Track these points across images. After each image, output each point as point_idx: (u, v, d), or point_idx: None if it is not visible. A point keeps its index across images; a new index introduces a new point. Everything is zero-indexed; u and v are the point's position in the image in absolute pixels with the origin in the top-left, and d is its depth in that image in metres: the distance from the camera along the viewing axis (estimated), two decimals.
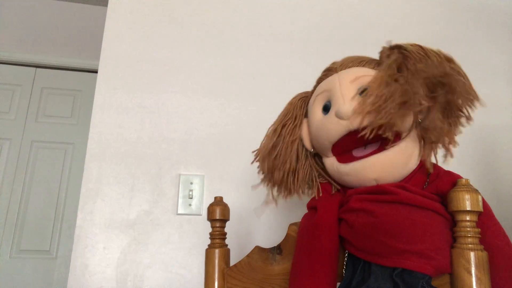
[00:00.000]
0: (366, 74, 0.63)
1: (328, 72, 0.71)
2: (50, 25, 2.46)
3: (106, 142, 1.15)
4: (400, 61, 0.60)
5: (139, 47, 1.26)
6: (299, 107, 0.75)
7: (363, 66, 0.67)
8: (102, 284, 1.05)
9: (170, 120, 1.21)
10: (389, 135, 0.56)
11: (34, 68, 2.40)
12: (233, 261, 0.72)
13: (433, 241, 0.54)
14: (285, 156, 0.71)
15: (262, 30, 1.38)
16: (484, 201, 0.57)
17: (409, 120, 0.59)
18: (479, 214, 0.54)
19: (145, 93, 1.22)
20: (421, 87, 0.56)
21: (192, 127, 1.22)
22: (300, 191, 0.71)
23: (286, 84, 1.33)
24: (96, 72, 1.27)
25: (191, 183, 1.17)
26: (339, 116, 0.61)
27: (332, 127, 0.63)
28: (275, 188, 0.74)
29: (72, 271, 1.04)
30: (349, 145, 0.64)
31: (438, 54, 0.60)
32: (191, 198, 1.15)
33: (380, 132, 0.56)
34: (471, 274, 0.51)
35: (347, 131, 0.61)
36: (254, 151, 0.76)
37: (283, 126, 0.74)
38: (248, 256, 0.70)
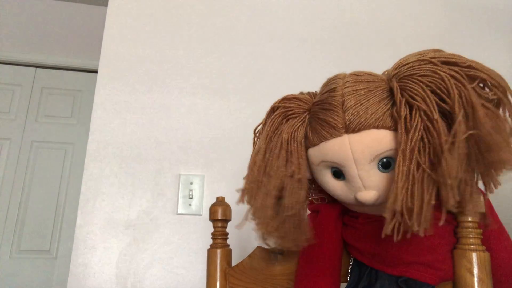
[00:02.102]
0: (387, 149, 0.51)
1: (334, 129, 0.53)
2: (50, 25, 2.46)
3: (106, 142, 1.15)
4: (424, 132, 0.47)
5: (139, 47, 1.26)
6: (298, 142, 0.58)
7: (382, 125, 0.51)
8: (102, 284, 1.04)
9: (170, 120, 1.21)
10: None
11: (34, 68, 2.40)
12: (234, 261, 0.72)
13: (441, 252, 0.54)
14: (295, 230, 0.57)
15: (262, 30, 1.38)
16: (490, 206, 0.57)
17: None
18: (482, 217, 0.54)
19: (145, 93, 1.22)
20: (459, 168, 0.45)
21: (192, 127, 1.22)
22: None
23: (287, 84, 1.32)
24: (96, 72, 1.27)
25: (191, 183, 1.16)
26: (360, 203, 0.54)
27: (348, 200, 0.57)
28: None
29: (72, 271, 1.04)
30: None
31: (464, 86, 0.46)
32: (191, 198, 1.15)
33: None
34: (473, 275, 0.51)
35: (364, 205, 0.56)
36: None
37: (291, 177, 0.57)
38: (250, 256, 0.70)
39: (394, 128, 0.51)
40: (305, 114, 0.59)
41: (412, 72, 0.50)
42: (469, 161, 0.46)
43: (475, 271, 0.51)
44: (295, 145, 0.58)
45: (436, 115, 0.46)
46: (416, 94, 0.48)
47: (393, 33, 1.47)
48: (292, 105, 0.61)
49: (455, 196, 0.45)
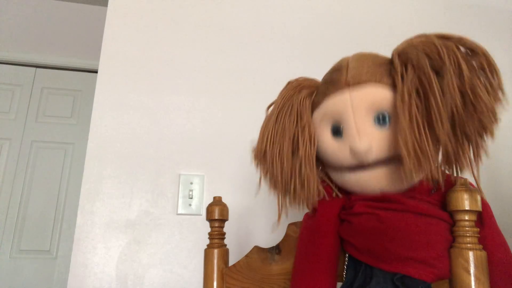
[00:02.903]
0: (383, 99, 0.56)
1: (337, 85, 0.60)
2: (50, 25, 2.46)
3: (106, 142, 1.15)
4: (416, 83, 0.53)
5: (139, 47, 1.26)
6: (307, 107, 0.65)
7: (379, 80, 0.57)
8: (102, 284, 1.05)
9: (170, 120, 1.21)
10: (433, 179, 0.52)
11: (34, 68, 2.40)
12: (232, 261, 0.72)
13: (437, 249, 0.54)
14: (309, 183, 0.62)
15: (262, 30, 1.38)
16: (487, 208, 0.57)
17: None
18: (479, 218, 0.54)
19: (145, 93, 1.22)
20: (444, 121, 0.50)
21: (192, 127, 1.22)
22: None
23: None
24: (96, 72, 1.27)
25: (191, 183, 1.17)
26: (354, 153, 0.57)
27: (344, 159, 0.59)
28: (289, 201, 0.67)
29: (72, 271, 1.04)
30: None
31: (454, 52, 0.52)
32: (191, 198, 1.15)
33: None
34: (469, 274, 0.51)
35: (360, 163, 0.58)
36: (253, 153, 0.68)
37: (301, 134, 0.63)
38: (247, 256, 0.70)
39: (392, 87, 0.57)
40: (315, 88, 0.67)
41: (409, 43, 0.57)
42: (459, 122, 0.51)
43: (472, 270, 0.51)
44: (304, 109, 0.65)
45: (428, 69, 0.52)
46: (410, 55, 0.55)
47: (393, 33, 1.47)
48: (304, 81, 0.68)
49: (451, 139, 0.51)
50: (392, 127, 0.56)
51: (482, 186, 0.54)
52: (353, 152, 0.57)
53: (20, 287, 2.08)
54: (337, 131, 0.60)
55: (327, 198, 0.66)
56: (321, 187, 0.64)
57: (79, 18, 2.51)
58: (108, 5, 1.29)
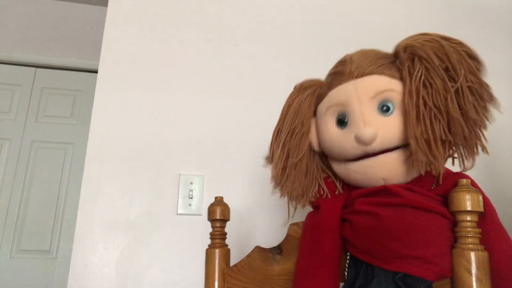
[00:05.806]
0: (387, 89, 0.58)
1: (342, 76, 0.62)
2: (50, 25, 2.46)
3: (106, 142, 1.15)
4: (424, 77, 0.55)
5: (139, 47, 1.26)
6: (307, 106, 0.68)
7: (382, 72, 0.60)
8: (102, 284, 1.05)
9: (170, 120, 1.21)
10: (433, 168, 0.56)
11: (34, 68, 2.40)
12: (233, 261, 0.72)
13: (437, 246, 0.54)
14: (300, 176, 0.67)
15: (263, 30, 1.38)
16: (488, 203, 0.57)
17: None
18: (480, 214, 0.54)
19: (145, 93, 1.22)
20: (450, 104, 0.54)
21: (192, 127, 1.22)
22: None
23: (286, 84, 1.32)
24: (96, 72, 1.27)
25: (191, 183, 1.16)
26: (359, 141, 0.58)
27: (349, 148, 0.60)
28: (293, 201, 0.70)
29: (72, 271, 1.04)
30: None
31: (459, 52, 0.56)
32: (191, 198, 1.15)
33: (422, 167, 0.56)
34: (471, 274, 0.51)
35: (365, 153, 0.59)
36: (265, 161, 0.73)
37: (292, 135, 0.67)
38: (248, 256, 0.70)
39: (396, 78, 0.59)
40: (318, 86, 0.69)
41: (413, 39, 0.59)
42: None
43: (474, 270, 0.51)
44: (302, 108, 0.68)
45: (437, 61, 0.55)
46: (417, 49, 0.57)
47: (393, 33, 1.47)
48: (307, 82, 0.72)
49: (464, 130, 0.54)
50: (396, 115, 0.58)
51: (482, 186, 0.55)
52: (358, 139, 0.58)
53: (20, 287, 2.08)
54: (341, 122, 0.62)
55: (328, 195, 0.67)
56: (321, 182, 0.68)
57: (79, 18, 2.51)
58: (108, 5, 1.28)
